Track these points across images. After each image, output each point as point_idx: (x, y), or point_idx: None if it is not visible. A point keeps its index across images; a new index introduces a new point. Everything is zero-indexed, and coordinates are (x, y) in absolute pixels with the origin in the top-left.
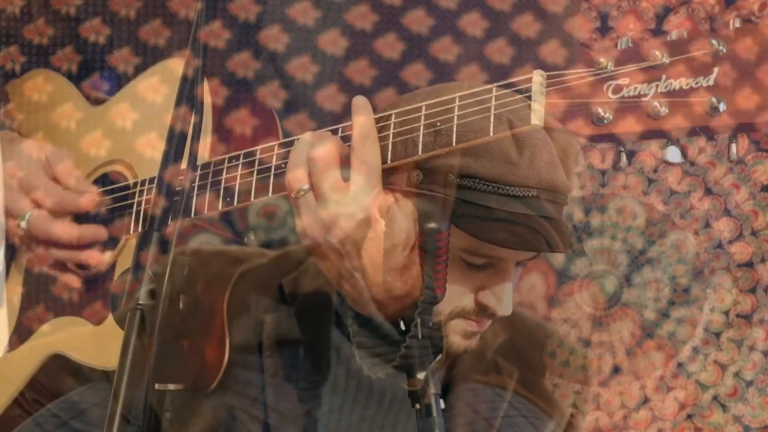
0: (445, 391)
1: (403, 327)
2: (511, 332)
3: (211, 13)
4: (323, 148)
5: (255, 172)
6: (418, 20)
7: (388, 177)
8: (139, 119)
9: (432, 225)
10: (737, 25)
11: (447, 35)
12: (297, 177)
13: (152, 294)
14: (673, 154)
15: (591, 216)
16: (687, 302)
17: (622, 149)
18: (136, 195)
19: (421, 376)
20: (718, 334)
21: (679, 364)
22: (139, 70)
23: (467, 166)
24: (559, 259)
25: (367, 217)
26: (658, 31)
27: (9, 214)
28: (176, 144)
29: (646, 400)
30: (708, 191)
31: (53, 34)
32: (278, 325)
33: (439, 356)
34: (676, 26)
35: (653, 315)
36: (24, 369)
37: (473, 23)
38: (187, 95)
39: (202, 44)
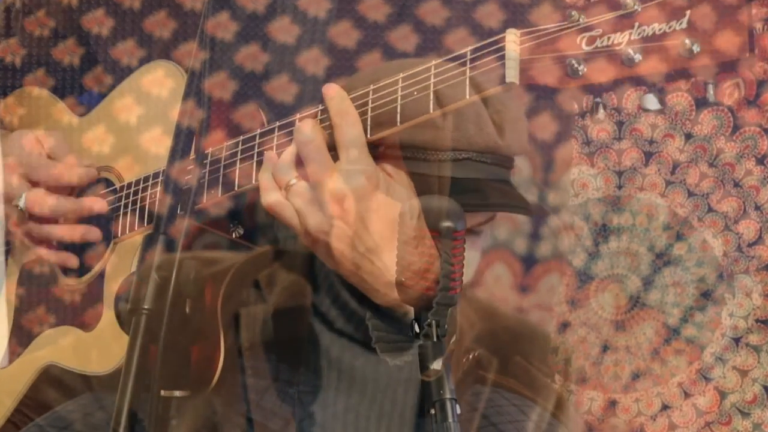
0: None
1: (417, 329)
2: (490, 323)
3: (218, 4)
4: (309, 133)
5: (255, 155)
6: (432, 12)
7: (379, 149)
8: (125, 127)
9: (448, 224)
10: None
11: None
12: (284, 171)
13: (158, 298)
14: (650, 101)
15: (608, 218)
16: (705, 307)
17: (600, 100)
18: (122, 199)
19: (436, 365)
20: (737, 340)
21: (698, 371)
22: (144, 62)
23: (400, 138)
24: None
25: (368, 189)
26: None
27: (6, 199)
28: (182, 141)
29: (663, 407)
30: (728, 193)
31: (54, 26)
32: (253, 322)
33: (453, 338)
34: None
35: (671, 320)
36: (18, 384)
37: None
38: (193, 90)
39: (210, 36)
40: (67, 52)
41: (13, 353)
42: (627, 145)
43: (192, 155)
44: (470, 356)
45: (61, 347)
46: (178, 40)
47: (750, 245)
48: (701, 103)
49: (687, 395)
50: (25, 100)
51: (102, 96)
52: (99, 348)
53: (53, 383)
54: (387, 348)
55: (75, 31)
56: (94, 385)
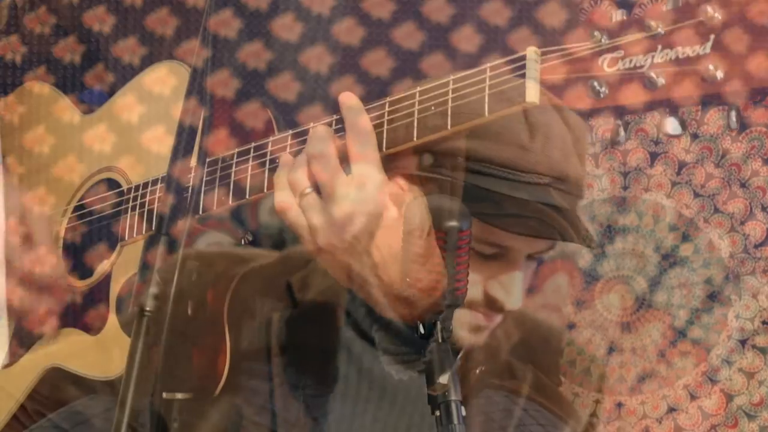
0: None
1: (422, 330)
2: (525, 333)
3: (220, 1)
4: (322, 144)
5: (267, 163)
6: (437, 9)
7: (394, 162)
8: (132, 127)
9: (453, 223)
10: None
11: (467, 24)
12: (299, 178)
13: (159, 299)
14: (672, 125)
15: (613, 218)
16: (711, 309)
17: (620, 123)
18: (130, 201)
19: (443, 380)
20: (743, 342)
21: (704, 373)
22: (145, 60)
23: (477, 149)
24: (580, 257)
25: (380, 207)
26: None
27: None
28: (185, 139)
29: (669, 410)
30: (734, 194)
31: (55, 23)
32: (285, 327)
33: (459, 355)
34: None
35: (677, 322)
36: (22, 383)
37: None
38: (197, 88)
39: (212, 34)
40: (68, 50)
41: (16, 354)
42: (633, 145)
43: (195, 156)
44: (478, 370)
45: (65, 350)
46: (181, 38)
47: (757, 246)
48: (707, 103)
49: (693, 397)
50: (26, 97)
51: (103, 93)
52: (103, 352)
53: (55, 386)
54: (392, 360)
55: (76, 28)
56: (98, 389)
